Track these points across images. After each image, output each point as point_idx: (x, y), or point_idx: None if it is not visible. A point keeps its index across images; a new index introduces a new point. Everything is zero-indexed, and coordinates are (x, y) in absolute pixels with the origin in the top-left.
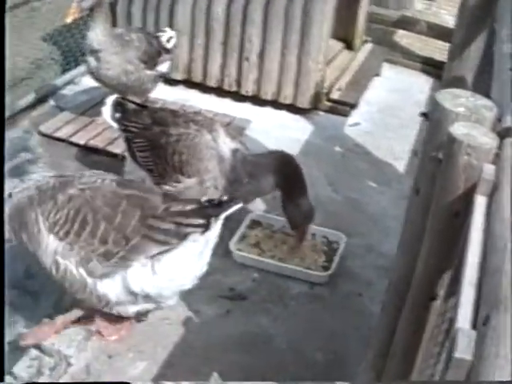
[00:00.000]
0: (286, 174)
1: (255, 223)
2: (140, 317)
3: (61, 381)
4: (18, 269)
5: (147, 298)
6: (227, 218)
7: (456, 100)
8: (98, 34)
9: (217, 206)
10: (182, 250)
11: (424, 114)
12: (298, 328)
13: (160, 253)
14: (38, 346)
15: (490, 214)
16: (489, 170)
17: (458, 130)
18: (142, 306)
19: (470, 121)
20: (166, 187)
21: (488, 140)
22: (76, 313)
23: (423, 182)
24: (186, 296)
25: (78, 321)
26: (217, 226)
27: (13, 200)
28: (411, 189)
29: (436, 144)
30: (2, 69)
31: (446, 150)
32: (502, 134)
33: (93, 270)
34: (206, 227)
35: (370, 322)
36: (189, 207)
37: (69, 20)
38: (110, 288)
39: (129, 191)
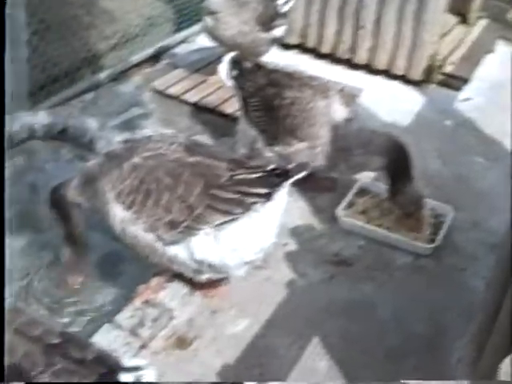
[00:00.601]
0: (396, 160)
1: (363, 191)
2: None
3: (162, 333)
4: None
5: (212, 266)
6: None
7: None
8: None
9: (281, 174)
10: (245, 219)
11: None
12: (401, 298)
13: (224, 222)
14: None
15: None
16: None
17: None
18: (213, 275)
19: None
20: (277, 149)
21: None
22: (156, 280)
23: None
24: (291, 257)
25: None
26: (282, 195)
27: (85, 167)
28: None
29: None
30: (2, 69)
31: None
32: None
33: (161, 237)
34: (269, 196)
35: (473, 297)
36: (253, 176)
37: None
38: (177, 254)
39: (194, 158)
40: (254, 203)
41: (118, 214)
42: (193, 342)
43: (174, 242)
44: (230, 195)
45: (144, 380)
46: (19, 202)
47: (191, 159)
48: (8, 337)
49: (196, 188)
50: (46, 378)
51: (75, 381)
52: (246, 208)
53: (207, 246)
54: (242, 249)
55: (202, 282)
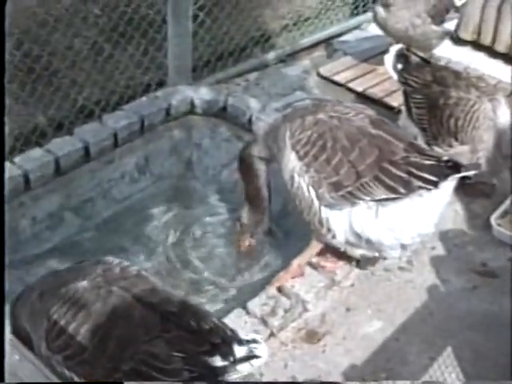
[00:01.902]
0: None
1: None
2: (365, 264)
3: (293, 324)
4: (276, 206)
5: (368, 242)
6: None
7: None
8: None
9: (454, 167)
10: (407, 202)
11: None
12: None
13: (386, 199)
14: (277, 287)
15: None
16: None
17: None
18: (366, 251)
19: None
20: (437, 149)
21: None
22: (312, 250)
23: None
24: (437, 262)
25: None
26: (447, 188)
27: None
28: None
29: None
30: (2, 68)
31: None
32: None
33: (321, 196)
34: (434, 185)
35: None
36: (426, 162)
37: None
38: (334, 219)
39: (376, 131)
40: (420, 188)
41: (291, 161)
42: (323, 338)
43: (334, 205)
44: (399, 173)
45: (257, 353)
46: (172, 176)
47: (373, 131)
48: (128, 301)
49: (369, 157)
50: (160, 344)
51: (189, 348)
52: (411, 190)
53: (367, 220)
54: (399, 230)
55: (356, 257)
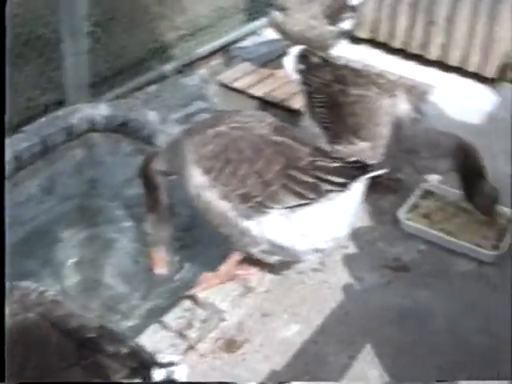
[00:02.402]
0: (467, 163)
1: (428, 193)
2: (278, 269)
3: (211, 335)
4: (185, 218)
5: (282, 248)
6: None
7: None
8: None
9: (361, 167)
10: (318, 206)
11: None
12: (459, 307)
13: (296, 206)
14: (191, 298)
15: None
16: None
17: None
18: (281, 257)
19: None
20: (339, 147)
21: None
22: (234, 257)
23: None
24: (349, 261)
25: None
26: (357, 189)
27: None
28: None
29: None
30: (3, 68)
31: None
32: None
33: (234, 207)
34: (344, 187)
35: None
36: (333, 164)
37: None
38: (251, 228)
39: (279, 138)
40: (330, 191)
41: (196, 177)
42: (241, 346)
43: (246, 216)
44: (307, 179)
45: (176, 376)
46: (77, 195)
47: (276, 138)
48: (45, 328)
49: (275, 165)
50: (76, 371)
51: (107, 374)
52: (321, 194)
53: (279, 227)
54: (312, 235)
55: (272, 263)
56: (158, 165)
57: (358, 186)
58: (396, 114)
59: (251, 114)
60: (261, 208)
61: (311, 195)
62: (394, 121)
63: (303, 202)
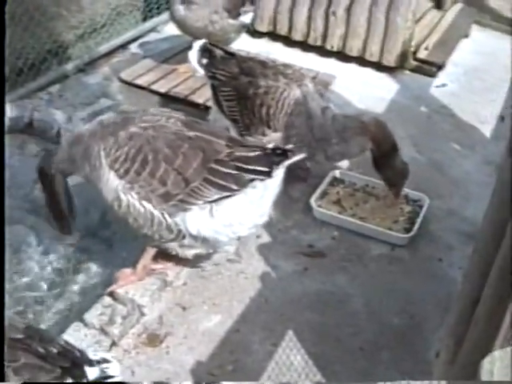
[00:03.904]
0: (378, 138)
1: (337, 180)
2: (195, 262)
3: (133, 330)
4: (94, 217)
5: (205, 241)
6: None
7: None
8: None
9: (280, 154)
10: (241, 196)
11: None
12: (376, 289)
13: (220, 198)
14: (111, 294)
15: None
16: None
17: None
18: (200, 249)
19: None
20: (251, 139)
21: None
22: (150, 252)
23: None
24: (264, 250)
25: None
26: (278, 175)
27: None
28: (503, 151)
29: None
30: (2, 68)
31: None
32: None
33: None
34: (267, 175)
35: (449, 288)
36: (252, 153)
37: None
38: (173, 226)
39: (193, 133)
40: (252, 180)
41: (112, 180)
42: (164, 339)
43: (169, 214)
44: (228, 170)
45: (109, 373)
46: None
47: (191, 133)
48: None
49: (194, 161)
50: (9, 374)
51: (40, 375)
52: (244, 184)
53: (201, 220)
54: (236, 224)
55: (188, 257)
56: (58, 162)
57: (280, 172)
58: (306, 103)
59: (158, 112)
60: (184, 205)
61: (234, 186)
62: (304, 110)
63: (226, 193)
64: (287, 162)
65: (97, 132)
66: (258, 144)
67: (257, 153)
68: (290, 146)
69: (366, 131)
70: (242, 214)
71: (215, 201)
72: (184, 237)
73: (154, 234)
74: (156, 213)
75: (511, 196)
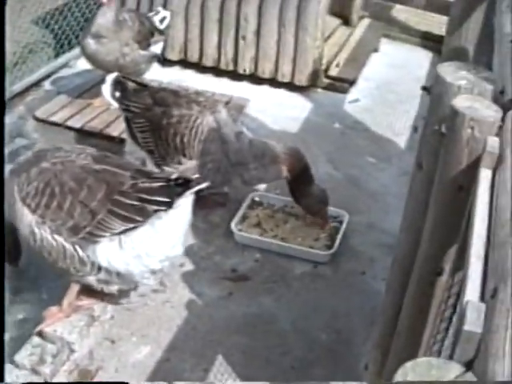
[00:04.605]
0: (294, 167)
1: (256, 203)
2: (119, 297)
3: (64, 368)
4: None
5: (120, 275)
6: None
7: (457, 73)
8: (108, 20)
9: (183, 184)
10: (147, 227)
11: (425, 88)
12: (302, 308)
13: (126, 230)
14: (40, 334)
15: (495, 187)
16: (493, 142)
17: (460, 103)
18: (121, 285)
19: (473, 94)
20: (167, 168)
21: (491, 113)
22: (74, 288)
23: (426, 157)
24: (188, 278)
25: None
26: (184, 205)
27: None
28: (414, 164)
29: (438, 118)
30: (3, 69)
31: (448, 123)
32: (506, 107)
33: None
34: (169, 205)
35: (374, 301)
36: (155, 184)
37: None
38: (85, 259)
39: (99, 166)
40: (156, 211)
41: (25, 215)
42: (96, 374)
43: (80, 247)
44: (131, 201)
45: None
46: None
47: (97, 166)
48: None
49: (99, 193)
50: None
51: None
52: (147, 215)
53: (111, 252)
54: (145, 256)
55: (113, 293)
56: None
57: (185, 202)
58: (220, 129)
59: (71, 149)
60: (92, 237)
61: (138, 217)
62: (219, 136)
63: (131, 225)
64: (189, 192)
65: (14, 169)
66: (162, 175)
67: (159, 183)
68: (194, 176)
69: (282, 160)
70: (150, 245)
71: (123, 232)
72: (99, 270)
73: (69, 267)
74: (68, 246)
75: (423, 208)
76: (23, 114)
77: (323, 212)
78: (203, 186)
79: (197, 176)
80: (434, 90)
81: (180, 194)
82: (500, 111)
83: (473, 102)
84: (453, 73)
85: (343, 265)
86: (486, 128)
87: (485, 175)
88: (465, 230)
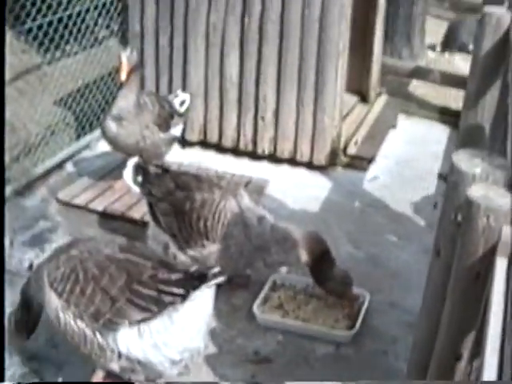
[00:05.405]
0: (315, 251)
1: (278, 285)
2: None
3: None
4: (41, 338)
5: (141, 363)
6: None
7: (472, 161)
8: (129, 102)
9: (201, 276)
10: (164, 317)
11: (441, 176)
12: None
13: (145, 318)
14: None
15: (510, 277)
16: (507, 232)
17: (475, 192)
18: (144, 373)
19: (487, 182)
20: (191, 252)
21: (506, 201)
22: (98, 375)
23: (443, 244)
24: (211, 361)
25: None
26: (202, 298)
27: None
28: (432, 250)
29: (454, 206)
30: (3, 69)
31: (464, 212)
32: None
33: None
34: (185, 297)
35: (396, 380)
36: (174, 276)
37: (124, 77)
38: (105, 345)
39: (122, 255)
40: (172, 303)
41: (52, 300)
42: None
43: (100, 333)
44: (149, 292)
45: None
46: None
47: (120, 256)
48: None
49: (119, 281)
50: None
51: None
52: (163, 306)
53: (131, 341)
54: (163, 346)
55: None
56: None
57: (204, 295)
58: (242, 213)
59: (101, 239)
60: (112, 324)
61: (154, 308)
62: (241, 220)
63: (148, 315)
64: (206, 286)
65: (48, 256)
66: (182, 267)
67: (178, 276)
68: (213, 270)
69: (302, 244)
70: (168, 336)
71: (143, 321)
72: (120, 357)
73: (91, 353)
74: (88, 332)
75: (441, 294)
76: (46, 197)
77: (348, 294)
78: (221, 279)
79: (217, 268)
80: (450, 179)
81: (197, 287)
82: None
83: (487, 190)
84: (467, 161)
85: (365, 345)
86: (501, 217)
87: (500, 264)
88: (482, 317)
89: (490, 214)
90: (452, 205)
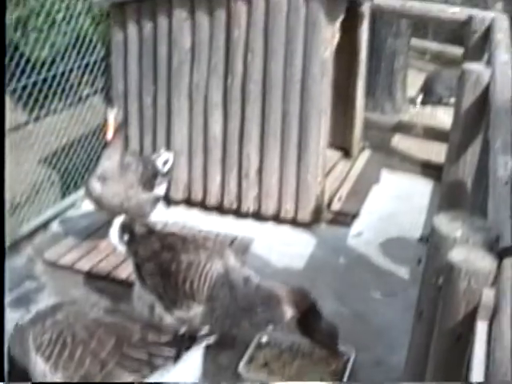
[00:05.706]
0: (301, 307)
1: (263, 343)
2: None
3: None
4: None
5: None
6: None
7: (453, 224)
8: (113, 162)
9: (191, 337)
10: (157, 378)
11: (421, 239)
12: None
13: (135, 381)
14: None
15: (491, 340)
16: (488, 295)
17: (456, 255)
18: None
19: (468, 244)
20: (178, 313)
21: (486, 263)
22: None
23: (426, 306)
24: None
25: None
26: (192, 358)
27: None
28: (414, 311)
29: (436, 269)
30: (3, 70)
31: (445, 275)
32: (501, 254)
33: None
34: (176, 359)
35: None
36: (163, 338)
37: (110, 136)
38: None
39: (110, 319)
40: (162, 364)
41: (39, 364)
42: None
43: None
44: (139, 355)
45: None
46: None
47: (108, 319)
48: None
49: (108, 344)
50: None
51: None
52: (154, 368)
53: None
54: None
55: None
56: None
57: (192, 356)
58: (228, 275)
59: (85, 302)
60: None
61: (144, 370)
62: (227, 282)
63: (138, 377)
64: (196, 347)
65: (32, 320)
66: (171, 329)
67: (167, 338)
68: (202, 331)
69: (288, 301)
70: None
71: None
72: None
73: None
74: None
75: (424, 355)
76: (32, 257)
77: (335, 345)
78: (211, 340)
79: (206, 329)
80: (431, 241)
81: (186, 349)
82: (495, 260)
83: (468, 253)
84: (448, 224)
85: None
86: (482, 279)
87: (481, 327)
88: (465, 378)
89: (470, 277)
90: (433, 267)
